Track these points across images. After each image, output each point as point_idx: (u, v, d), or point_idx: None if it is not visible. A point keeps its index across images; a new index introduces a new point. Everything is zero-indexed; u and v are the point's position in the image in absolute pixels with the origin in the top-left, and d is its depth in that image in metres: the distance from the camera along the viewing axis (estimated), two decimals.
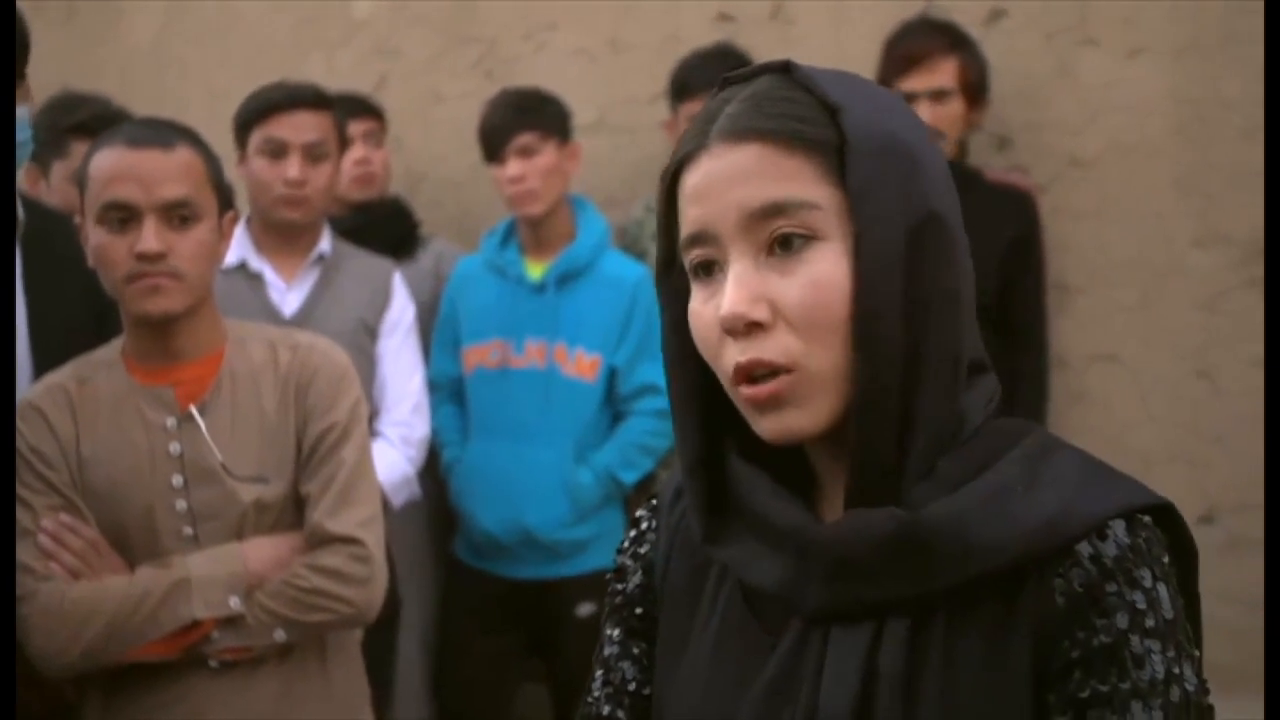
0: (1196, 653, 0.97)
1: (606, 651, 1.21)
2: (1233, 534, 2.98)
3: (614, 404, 3.19)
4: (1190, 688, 0.94)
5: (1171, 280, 3.20)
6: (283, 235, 2.97)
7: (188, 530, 2.00)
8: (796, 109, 1.01)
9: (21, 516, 1.97)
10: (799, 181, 0.99)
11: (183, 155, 1.99)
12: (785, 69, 1.05)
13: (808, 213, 0.99)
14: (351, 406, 2.09)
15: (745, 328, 0.99)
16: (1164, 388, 3.23)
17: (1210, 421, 3.18)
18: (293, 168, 2.88)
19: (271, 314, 2.89)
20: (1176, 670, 0.93)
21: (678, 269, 1.08)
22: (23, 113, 2.07)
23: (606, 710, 1.19)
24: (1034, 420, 1.13)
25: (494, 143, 3.13)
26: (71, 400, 2.02)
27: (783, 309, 0.99)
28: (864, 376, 0.98)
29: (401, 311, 3.07)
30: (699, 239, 1.02)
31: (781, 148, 1.00)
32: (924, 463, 0.99)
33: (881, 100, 1.04)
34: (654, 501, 1.23)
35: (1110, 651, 0.93)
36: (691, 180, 1.03)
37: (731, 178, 1.00)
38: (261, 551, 2.00)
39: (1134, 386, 3.25)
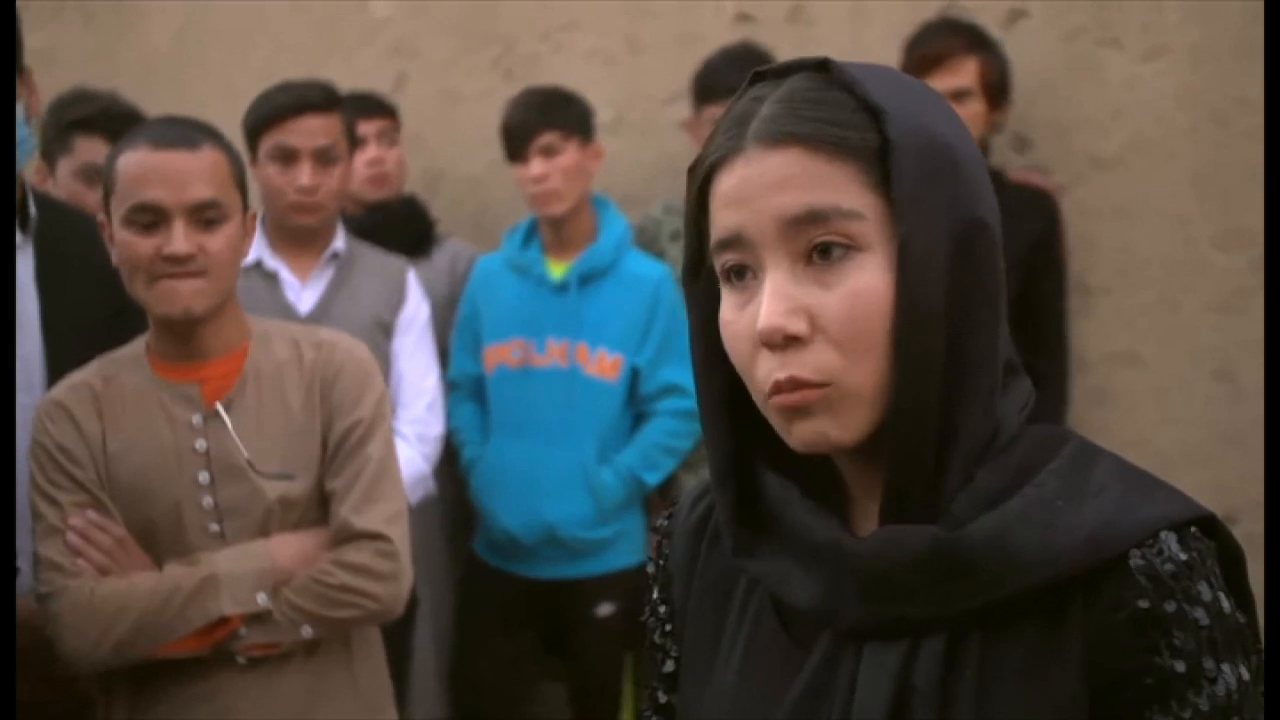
0: (1261, 647, 0.96)
1: (645, 661, 1.22)
2: (1252, 535, 2.97)
3: (636, 404, 3.18)
4: (1262, 698, 0.94)
5: (1191, 280, 3.20)
6: (297, 235, 2.98)
7: (214, 527, 2.00)
8: (836, 112, 0.97)
9: (49, 514, 1.98)
10: (840, 189, 0.95)
11: (209, 155, 1.98)
12: (822, 66, 1.01)
13: (849, 222, 0.95)
14: (376, 403, 2.10)
15: (783, 341, 0.96)
16: (1183, 388, 3.23)
17: (1229, 422, 3.18)
18: (304, 175, 2.88)
19: (287, 312, 2.89)
20: (1247, 678, 0.93)
21: (706, 271, 1.04)
22: (20, 109, 2.06)
23: (647, 713, 1.21)
24: (1052, 422, 1.10)
25: (516, 142, 3.12)
26: (97, 397, 2.03)
27: (822, 322, 0.95)
28: (904, 390, 0.95)
29: (417, 309, 3.07)
30: (733, 244, 0.99)
31: (821, 153, 0.96)
32: (962, 474, 0.97)
33: (921, 98, 1.01)
34: (671, 510, 1.21)
35: (1182, 677, 0.92)
36: (726, 184, 0.99)
37: (769, 184, 0.96)
38: (288, 548, 2.00)
39: (1154, 387, 3.25)
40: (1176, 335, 3.22)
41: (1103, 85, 3.24)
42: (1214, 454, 3.19)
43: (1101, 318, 3.27)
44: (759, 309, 0.96)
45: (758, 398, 1.00)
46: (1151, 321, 3.24)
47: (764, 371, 0.98)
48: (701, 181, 1.02)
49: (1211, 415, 3.20)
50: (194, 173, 1.96)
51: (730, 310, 1.00)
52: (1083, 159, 3.26)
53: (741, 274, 0.99)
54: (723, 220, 0.99)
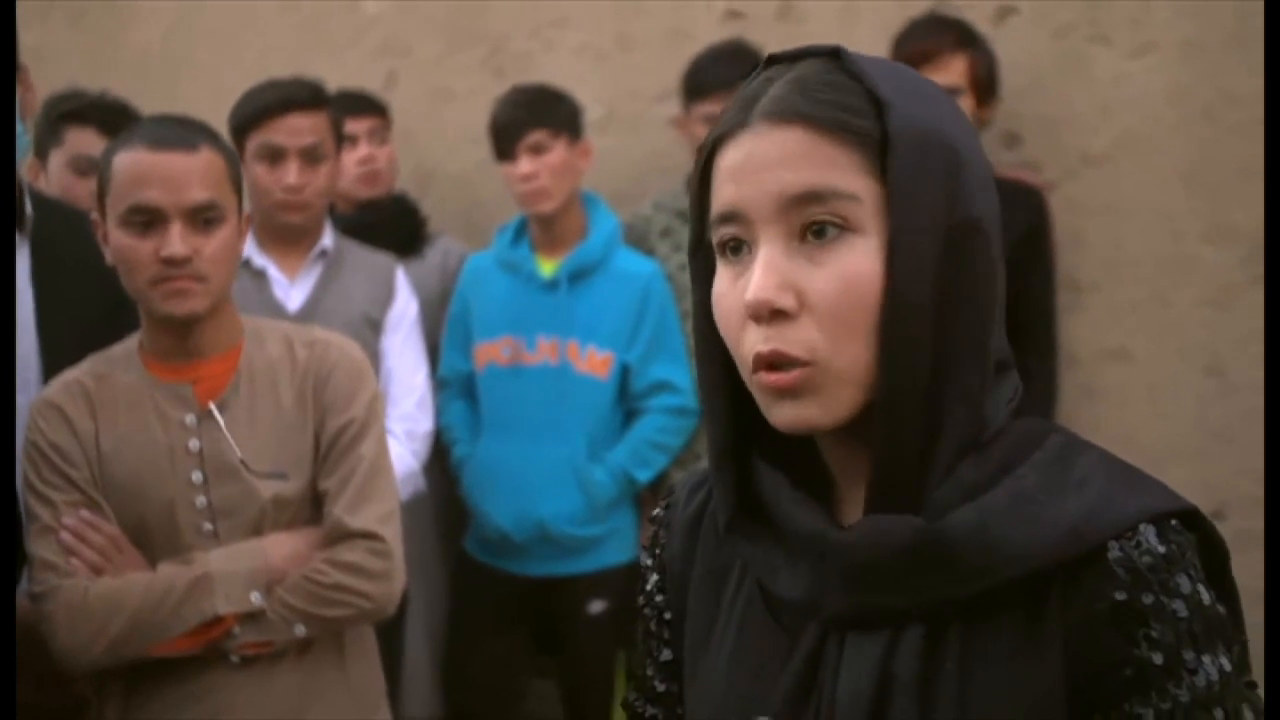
0: (1245, 639, 0.97)
1: (639, 650, 1.22)
2: (1242, 530, 2.98)
3: (627, 401, 3.18)
4: (1246, 689, 0.94)
5: (1181, 276, 3.21)
6: (285, 232, 2.97)
7: (207, 526, 2.00)
8: (844, 97, 0.99)
9: (43, 514, 1.98)
10: (840, 171, 0.97)
11: (206, 156, 1.98)
12: (834, 54, 1.02)
13: (846, 204, 0.97)
14: (369, 402, 2.10)
15: (770, 314, 0.97)
16: (1173, 384, 3.24)
17: (1219, 418, 3.19)
18: (291, 174, 2.87)
19: (275, 310, 2.89)
20: (1229, 669, 0.93)
21: (706, 247, 1.06)
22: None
23: (638, 706, 1.21)
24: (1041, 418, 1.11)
25: (505, 140, 3.12)
26: (90, 396, 2.02)
27: (811, 300, 0.97)
28: (889, 376, 0.96)
29: (405, 306, 3.07)
30: (731, 217, 1.00)
31: (825, 134, 0.97)
32: (947, 465, 0.98)
33: (929, 97, 1.02)
34: (669, 499, 1.22)
35: (1160, 669, 0.92)
36: (730, 158, 1.00)
37: (772, 159, 0.98)
38: (282, 547, 2.00)
39: (1144, 383, 3.26)
40: (1166, 331, 3.23)
41: (1092, 82, 3.25)
42: (1204, 449, 3.20)
43: (1091, 314, 3.28)
44: (750, 282, 0.98)
45: (744, 372, 1.01)
46: (1141, 317, 3.25)
47: (749, 344, 0.99)
48: (707, 156, 1.04)
49: (1201, 411, 3.21)
50: (191, 174, 1.95)
51: (723, 283, 1.02)
52: (1072, 155, 3.27)
53: (737, 249, 1.01)
54: (723, 193, 1.01)
